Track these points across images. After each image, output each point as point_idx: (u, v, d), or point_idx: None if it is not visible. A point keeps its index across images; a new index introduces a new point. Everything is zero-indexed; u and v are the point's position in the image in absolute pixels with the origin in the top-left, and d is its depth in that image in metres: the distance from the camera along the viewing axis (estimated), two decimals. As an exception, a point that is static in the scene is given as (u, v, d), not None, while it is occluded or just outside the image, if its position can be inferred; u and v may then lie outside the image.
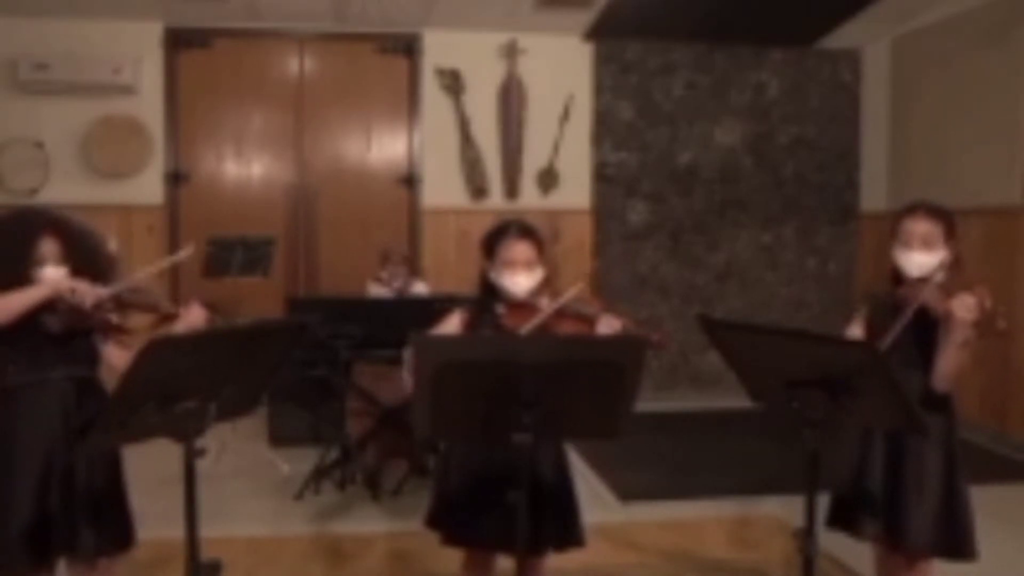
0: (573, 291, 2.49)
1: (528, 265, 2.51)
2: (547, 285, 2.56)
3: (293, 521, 3.95)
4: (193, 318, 2.48)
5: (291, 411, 4.98)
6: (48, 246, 2.43)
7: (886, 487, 2.50)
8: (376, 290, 4.96)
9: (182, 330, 2.43)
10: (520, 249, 2.51)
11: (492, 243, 2.56)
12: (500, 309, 2.51)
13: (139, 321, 2.54)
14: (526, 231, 2.56)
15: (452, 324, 2.55)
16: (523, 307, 2.49)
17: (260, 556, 3.52)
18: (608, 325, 2.42)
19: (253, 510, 4.09)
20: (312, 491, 4.25)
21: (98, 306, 2.41)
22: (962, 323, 2.30)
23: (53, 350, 2.41)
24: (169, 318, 2.50)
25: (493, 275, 2.55)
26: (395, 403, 4.27)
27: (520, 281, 2.51)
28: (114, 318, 2.46)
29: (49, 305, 2.38)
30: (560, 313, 2.45)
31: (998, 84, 5.38)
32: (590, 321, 2.44)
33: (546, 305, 2.47)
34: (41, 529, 2.34)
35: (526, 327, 2.38)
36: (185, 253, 2.91)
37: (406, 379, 2.49)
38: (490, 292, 2.57)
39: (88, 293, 2.38)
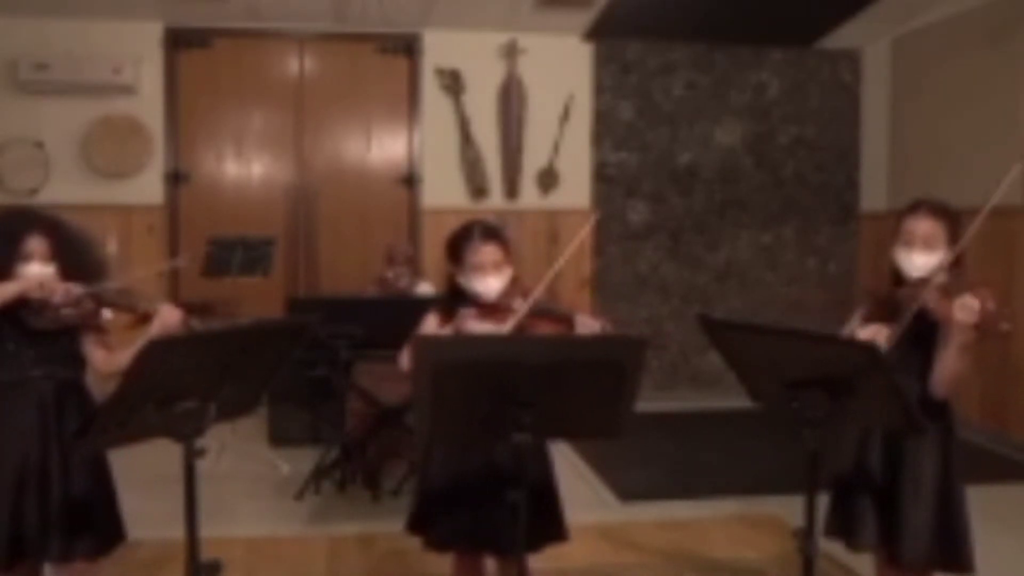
0: (564, 256, 2.45)
1: (496, 266, 2.51)
2: (516, 285, 2.55)
3: (293, 521, 3.95)
4: (167, 319, 2.46)
5: (291, 411, 4.98)
6: (35, 243, 2.41)
7: (882, 497, 2.45)
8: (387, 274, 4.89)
9: (156, 331, 2.40)
10: (487, 251, 2.50)
11: (457, 247, 2.54)
12: (471, 312, 2.50)
13: (117, 320, 2.52)
14: (491, 232, 2.55)
15: (429, 326, 2.54)
16: (496, 309, 2.48)
17: (260, 556, 3.52)
18: (585, 325, 2.42)
19: (253, 510, 4.10)
20: (312, 491, 4.24)
21: (77, 303, 2.38)
22: (962, 326, 2.21)
23: (36, 349, 2.39)
24: (146, 318, 2.47)
25: (462, 279, 2.53)
26: (395, 403, 4.27)
27: (491, 283, 2.50)
28: (95, 316, 2.44)
29: (25, 302, 2.34)
30: (535, 314, 2.44)
31: (998, 84, 5.38)
32: (567, 320, 2.44)
33: (520, 305, 2.46)
34: (15, 530, 2.31)
35: (503, 328, 2.38)
36: (181, 261, 2.90)
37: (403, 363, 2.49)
38: (458, 296, 2.55)
39: (57, 288, 2.35)
